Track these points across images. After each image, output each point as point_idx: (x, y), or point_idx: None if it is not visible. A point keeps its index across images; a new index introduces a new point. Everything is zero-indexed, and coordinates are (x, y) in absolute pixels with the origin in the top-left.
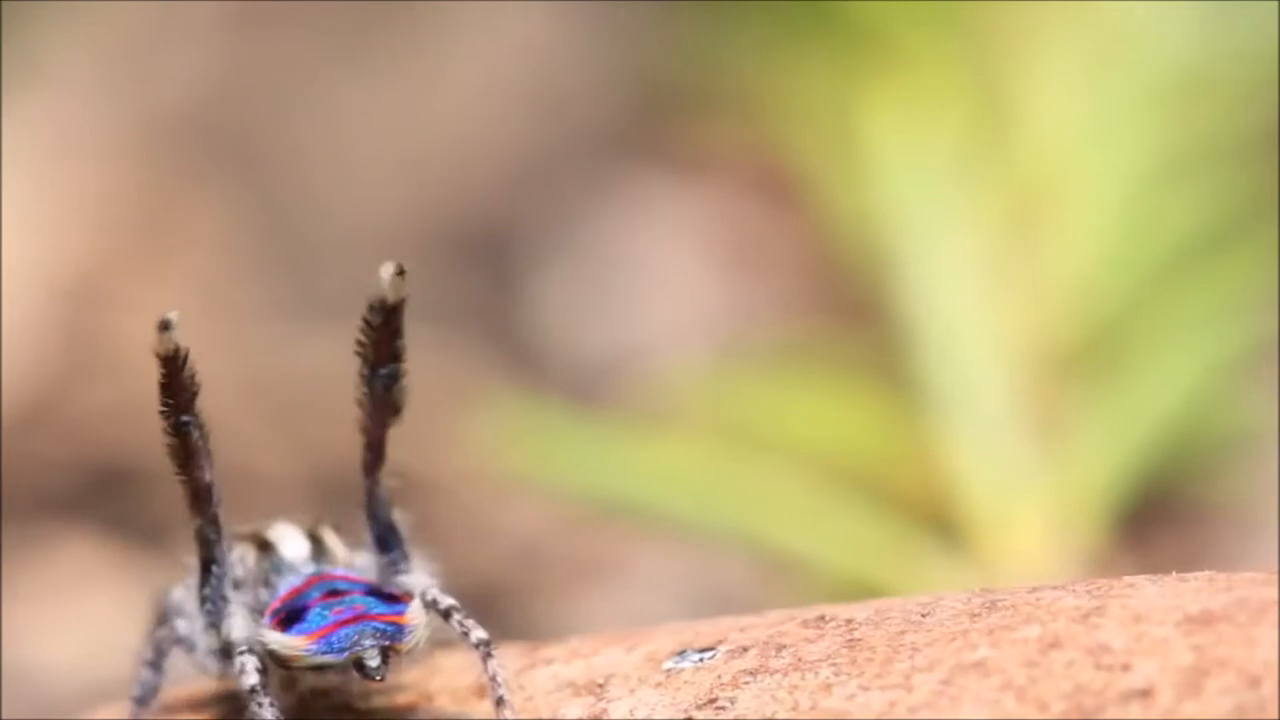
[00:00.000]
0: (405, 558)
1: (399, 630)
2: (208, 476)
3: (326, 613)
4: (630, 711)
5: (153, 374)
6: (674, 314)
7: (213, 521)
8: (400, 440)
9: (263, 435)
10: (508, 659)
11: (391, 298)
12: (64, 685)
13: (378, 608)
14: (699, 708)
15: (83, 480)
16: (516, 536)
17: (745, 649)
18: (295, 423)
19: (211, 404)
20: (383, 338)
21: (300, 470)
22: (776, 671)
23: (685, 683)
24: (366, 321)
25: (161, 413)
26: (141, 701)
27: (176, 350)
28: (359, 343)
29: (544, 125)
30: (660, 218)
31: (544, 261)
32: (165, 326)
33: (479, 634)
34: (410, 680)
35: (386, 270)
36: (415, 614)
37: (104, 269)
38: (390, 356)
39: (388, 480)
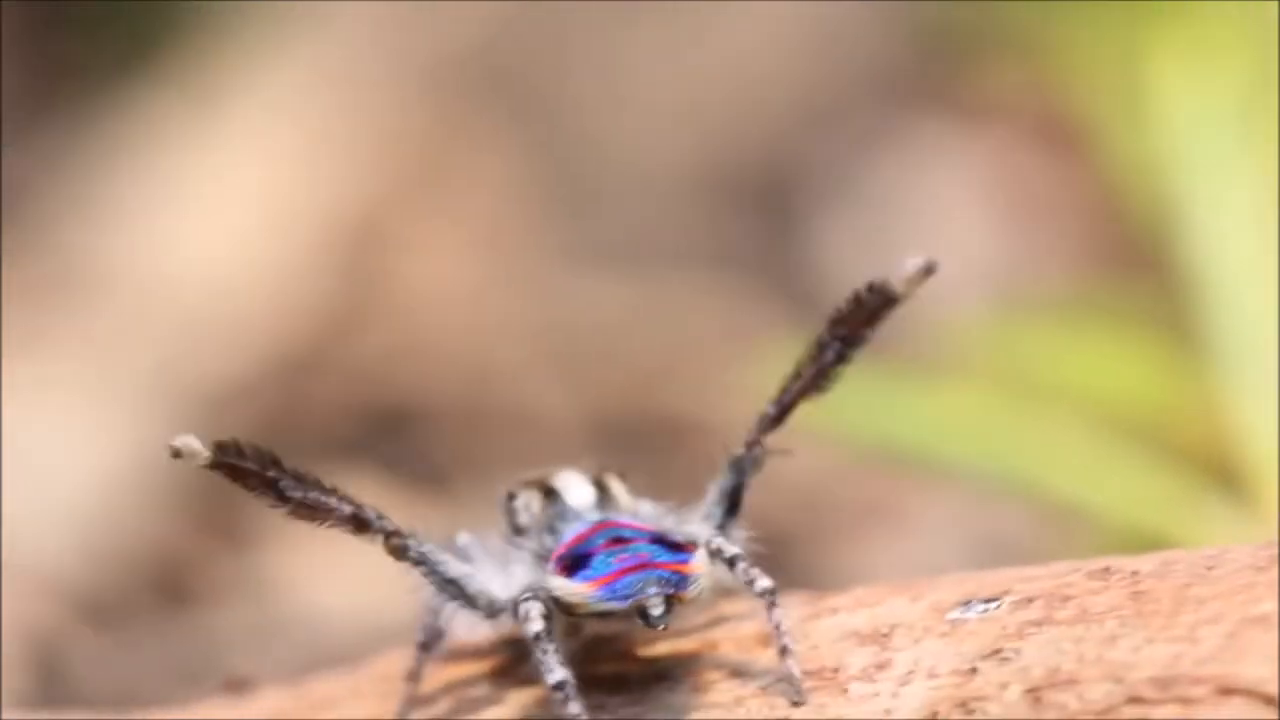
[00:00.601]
0: (723, 527)
1: (683, 579)
2: (347, 508)
3: (611, 560)
4: (915, 662)
5: (432, 316)
6: (955, 260)
7: (395, 531)
8: (680, 384)
9: (544, 380)
10: (792, 608)
11: (900, 291)
12: (344, 631)
13: (662, 556)
14: (983, 658)
15: (363, 422)
16: (798, 483)
17: (1030, 600)
18: (577, 367)
19: (494, 348)
20: (866, 321)
21: (582, 415)
22: (1061, 623)
23: (970, 633)
24: (860, 299)
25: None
26: (426, 647)
27: (217, 462)
28: (840, 310)
29: (825, 70)
30: (941, 164)
31: (824, 207)
32: (176, 455)
33: (764, 583)
34: (694, 628)
35: (913, 264)
36: (699, 563)
37: (386, 211)
38: (858, 339)
39: (766, 448)
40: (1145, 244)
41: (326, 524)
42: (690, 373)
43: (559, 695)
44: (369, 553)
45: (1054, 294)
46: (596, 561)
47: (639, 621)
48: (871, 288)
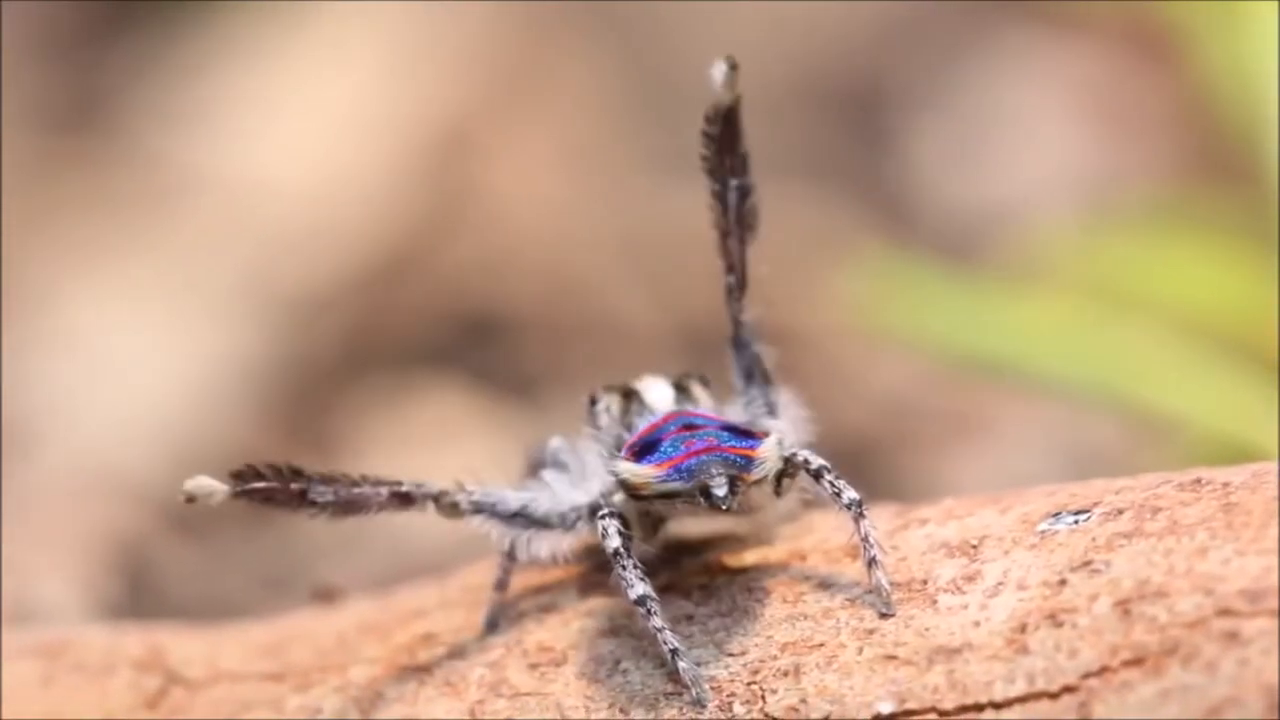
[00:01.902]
0: (770, 403)
1: (748, 462)
2: (384, 491)
3: (679, 444)
4: (1004, 573)
5: (520, 226)
6: (1044, 170)
7: (441, 492)
8: (771, 294)
9: (632, 289)
10: (880, 519)
11: (727, 99)
12: (431, 541)
13: (730, 441)
14: (1073, 570)
15: (451, 331)
16: (885, 393)
17: (1120, 511)
18: (664, 277)
19: (581, 257)
20: (725, 145)
21: (668, 324)
22: (1151, 535)
23: (1059, 545)
24: (705, 133)
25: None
26: (512, 556)
27: (239, 492)
28: (703, 158)
29: None
30: (1031, 72)
31: (915, 116)
32: (190, 499)
33: (850, 495)
34: (783, 538)
35: (718, 69)
36: (767, 449)
37: (474, 120)
38: (738, 167)
39: (753, 308)
40: (1236, 153)
41: (372, 513)
42: (778, 281)
43: (641, 610)
44: (456, 462)
45: (1143, 204)
46: (665, 446)
47: (703, 502)
48: (709, 117)
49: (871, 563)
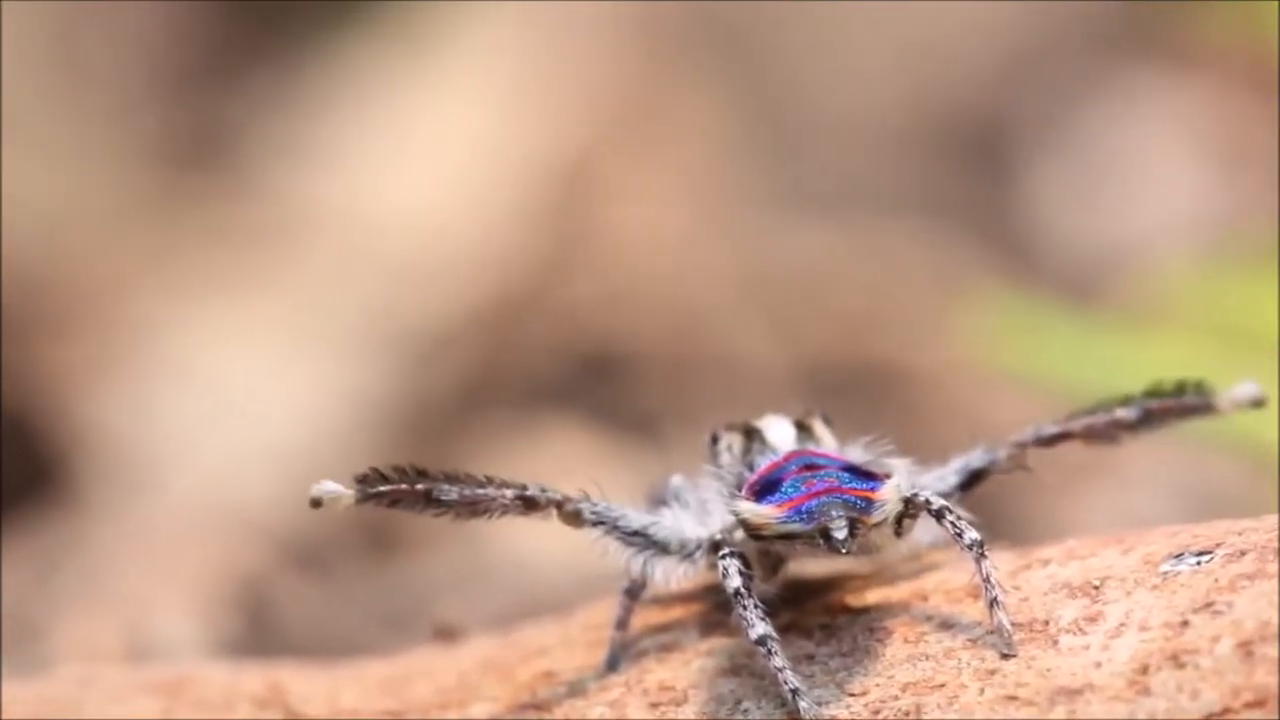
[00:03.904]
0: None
1: (869, 505)
2: (509, 492)
3: (800, 485)
4: (1126, 614)
5: (641, 261)
6: (1165, 209)
7: (565, 499)
8: (889, 331)
9: (752, 326)
10: (1001, 560)
11: (1222, 409)
12: (552, 579)
13: (851, 483)
14: (1195, 611)
15: (572, 368)
16: (1005, 431)
17: (1243, 553)
18: (784, 313)
19: (702, 294)
20: (1174, 412)
21: (788, 360)
22: (1274, 576)
23: (1182, 586)
24: (1183, 389)
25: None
26: (632, 594)
27: (365, 496)
28: (1155, 392)
29: (1037, 18)
30: (1153, 112)
31: (1036, 155)
32: (316, 504)
33: (972, 535)
34: (905, 576)
35: (1246, 390)
36: (888, 491)
37: (595, 156)
38: (1157, 422)
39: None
40: None
41: (495, 515)
42: (898, 320)
43: (761, 649)
44: None
45: (1264, 243)
46: (786, 486)
47: (822, 544)
48: (1198, 389)
49: (993, 603)
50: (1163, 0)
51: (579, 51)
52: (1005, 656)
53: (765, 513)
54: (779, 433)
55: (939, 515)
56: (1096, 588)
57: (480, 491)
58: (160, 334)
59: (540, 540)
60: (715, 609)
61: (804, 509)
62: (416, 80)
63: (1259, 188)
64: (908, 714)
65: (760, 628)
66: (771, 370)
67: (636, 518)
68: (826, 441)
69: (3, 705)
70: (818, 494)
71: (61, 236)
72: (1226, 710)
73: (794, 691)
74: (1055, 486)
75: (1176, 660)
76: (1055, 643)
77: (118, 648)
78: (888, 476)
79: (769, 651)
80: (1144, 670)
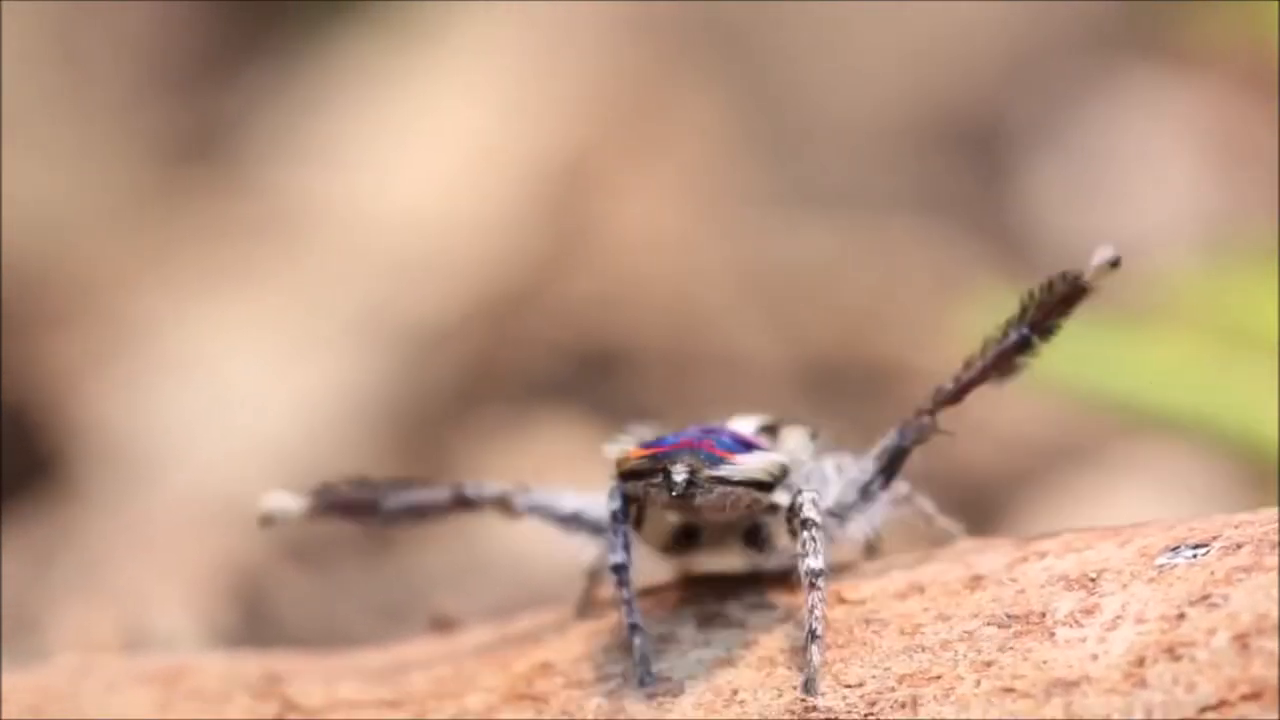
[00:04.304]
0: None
1: (718, 461)
2: (445, 494)
3: (676, 440)
4: (1122, 607)
5: (640, 259)
6: (1165, 208)
7: (496, 500)
8: (888, 329)
9: (752, 324)
10: (999, 552)
11: (1090, 282)
12: (547, 572)
13: (722, 446)
14: (1191, 604)
15: (571, 365)
16: (1006, 429)
17: (1239, 546)
18: (784, 311)
19: (702, 291)
20: (1054, 310)
21: (788, 358)
22: (1270, 569)
23: (1178, 579)
24: (1050, 285)
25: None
26: (617, 570)
27: (317, 510)
28: (1029, 295)
29: (1036, 18)
30: (1152, 111)
31: (1035, 153)
32: (267, 521)
33: (815, 564)
34: (900, 568)
35: (1102, 254)
36: (748, 460)
37: (594, 154)
38: (1045, 329)
39: (940, 424)
40: None
41: (436, 517)
42: (898, 318)
43: (613, 577)
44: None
45: (1264, 242)
46: (665, 440)
47: (664, 487)
48: (1063, 277)
49: (811, 635)
50: (1162, 0)
51: (579, 48)
52: (805, 694)
53: (627, 452)
54: (740, 425)
55: (803, 525)
56: (1093, 580)
57: (422, 496)
58: (159, 329)
59: (536, 533)
60: (713, 600)
61: (659, 454)
62: (415, 76)
63: (1258, 186)
64: (904, 705)
65: (620, 555)
66: (771, 367)
67: (569, 502)
68: (788, 443)
69: (2, 695)
70: (677, 445)
71: (61, 232)
72: (1223, 703)
73: (632, 627)
74: (1053, 481)
75: (1173, 653)
76: (1052, 635)
77: (115, 638)
78: (764, 450)
79: (619, 582)
80: (1140, 663)
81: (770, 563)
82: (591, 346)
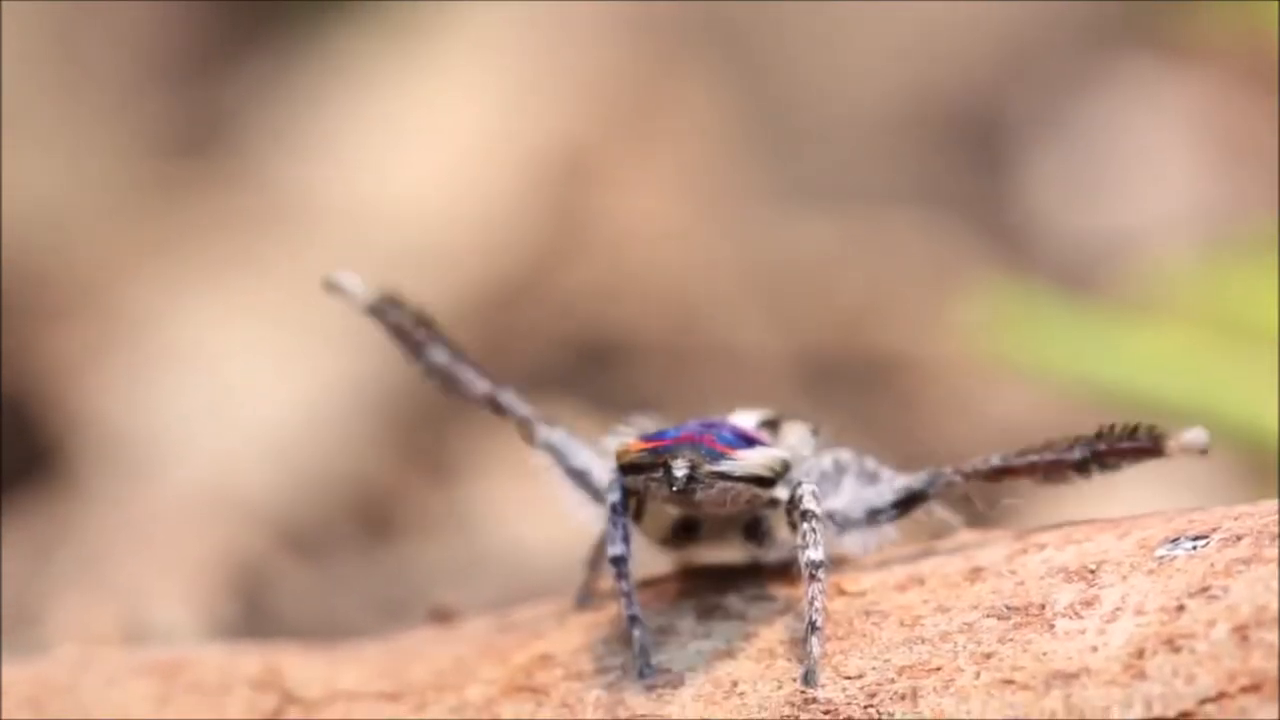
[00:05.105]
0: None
1: (719, 457)
2: (483, 387)
3: (677, 434)
4: (1122, 598)
5: (639, 251)
6: (1163, 200)
7: (522, 420)
8: (887, 321)
9: (751, 316)
10: (998, 544)
11: (1169, 454)
12: (547, 565)
13: (723, 441)
14: (1191, 595)
15: (570, 357)
16: (1004, 421)
17: (1239, 537)
18: (783, 304)
19: (701, 284)
20: (1124, 455)
21: (787, 351)
22: (1270, 561)
23: (1178, 570)
24: (1134, 430)
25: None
26: (616, 562)
27: (373, 308)
28: (1108, 430)
29: (1035, 11)
30: (1151, 105)
31: (1034, 147)
32: (332, 288)
33: (815, 555)
34: (900, 561)
35: (1193, 436)
36: (750, 455)
37: (594, 146)
38: (1106, 465)
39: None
40: None
41: (463, 398)
42: (897, 310)
43: (613, 569)
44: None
45: (1262, 235)
46: (667, 434)
47: (665, 481)
48: (1149, 431)
49: (811, 627)
50: None
51: (579, 41)
52: (804, 686)
53: (628, 445)
54: (741, 420)
55: (803, 516)
56: (1093, 572)
57: (461, 373)
58: (158, 322)
59: (537, 526)
60: (713, 592)
61: (661, 448)
62: (416, 69)
63: (1257, 180)
64: (904, 697)
65: (619, 548)
66: (770, 360)
67: (583, 458)
68: (789, 441)
69: (1, 687)
70: (679, 439)
71: (60, 226)
72: (1222, 695)
73: (632, 618)
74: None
75: (1172, 644)
76: (1051, 627)
77: (115, 631)
78: (764, 446)
79: (619, 574)
80: (1140, 654)
81: (770, 556)
82: (591, 339)
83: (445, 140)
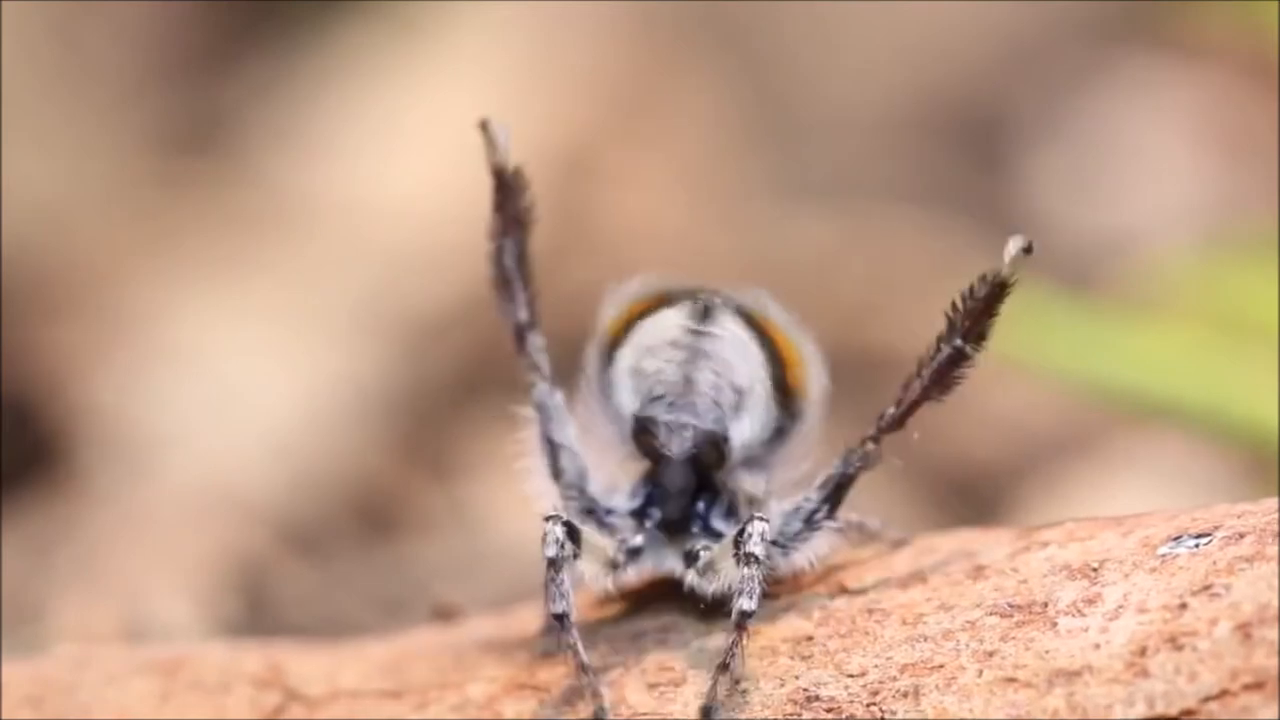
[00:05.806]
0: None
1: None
2: (522, 315)
3: None
4: (1125, 596)
5: (639, 248)
6: (1164, 198)
7: (533, 367)
8: (886, 319)
9: None
10: (1001, 541)
11: (1008, 277)
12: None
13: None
14: (1194, 593)
15: (570, 354)
16: (1006, 419)
17: (1241, 535)
18: (783, 302)
19: (701, 281)
20: (981, 315)
21: None
22: (1272, 559)
23: (1180, 568)
24: (971, 290)
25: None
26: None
27: (497, 172)
28: (953, 307)
29: (1036, 8)
30: (1152, 102)
31: (1034, 144)
32: (483, 127)
33: (747, 605)
34: (902, 560)
35: (1014, 244)
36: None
37: (593, 145)
38: (971, 335)
39: (883, 449)
40: None
41: (503, 312)
42: (896, 307)
43: (557, 625)
44: None
45: (1264, 232)
46: None
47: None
48: (982, 279)
49: (722, 667)
50: None
51: (578, 39)
52: (704, 715)
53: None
54: None
55: (746, 560)
56: (1095, 570)
57: (516, 289)
58: (158, 319)
59: (538, 523)
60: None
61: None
62: (414, 67)
63: (1257, 176)
64: (906, 695)
65: (560, 605)
66: None
67: (562, 432)
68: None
69: (2, 685)
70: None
71: (61, 223)
72: (1225, 692)
73: (581, 667)
74: (1054, 471)
75: (1175, 642)
76: (1054, 624)
77: (115, 628)
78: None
79: (563, 628)
80: (1142, 652)
81: (710, 588)
82: (589, 336)
83: (445, 138)
